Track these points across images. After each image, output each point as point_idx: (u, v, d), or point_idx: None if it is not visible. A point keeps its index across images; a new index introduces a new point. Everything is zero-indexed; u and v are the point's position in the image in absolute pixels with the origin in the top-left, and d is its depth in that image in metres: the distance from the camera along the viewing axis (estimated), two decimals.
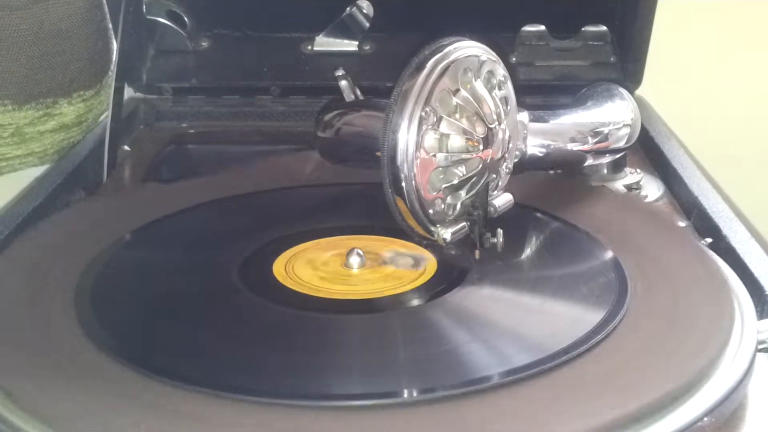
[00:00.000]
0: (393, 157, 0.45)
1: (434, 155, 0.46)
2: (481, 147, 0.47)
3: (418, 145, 0.45)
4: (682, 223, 0.60)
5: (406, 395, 0.38)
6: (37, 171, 0.82)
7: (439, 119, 0.46)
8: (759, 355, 0.44)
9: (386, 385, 0.39)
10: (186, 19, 0.84)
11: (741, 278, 0.50)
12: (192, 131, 0.81)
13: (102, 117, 0.86)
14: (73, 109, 0.82)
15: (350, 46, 0.84)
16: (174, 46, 0.84)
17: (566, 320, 0.45)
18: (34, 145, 0.81)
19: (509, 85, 0.50)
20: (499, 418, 0.37)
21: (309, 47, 0.84)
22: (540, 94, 0.81)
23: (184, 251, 0.53)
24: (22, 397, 0.38)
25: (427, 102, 0.45)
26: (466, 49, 0.47)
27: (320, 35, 0.84)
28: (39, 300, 0.46)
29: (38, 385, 0.39)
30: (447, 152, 0.46)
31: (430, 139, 0.46)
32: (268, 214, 0.57)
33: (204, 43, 0.85)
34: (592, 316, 0.44)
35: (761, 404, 0.42)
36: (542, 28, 0.83)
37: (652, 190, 0.66)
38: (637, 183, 0.65)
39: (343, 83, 0.64)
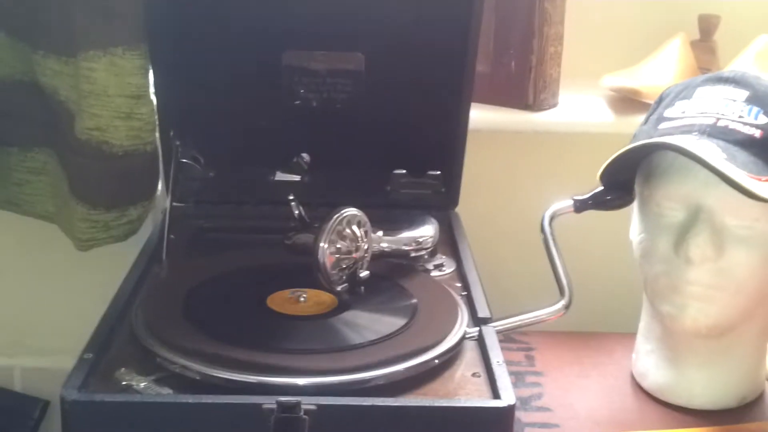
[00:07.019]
0: (316, 255, 1.08)
1: (334, 255, 1.09)
2: (354, 252, 1.11)
3: (327, 250, 1.08)
4: (458, 284, 1.24)
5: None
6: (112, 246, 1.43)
7: (336, 240, 1.10)
8: (466, 342, 1.09)
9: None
10: (201, 159, 1.46)
11: (468, 308, 1.14)
12: (206, 225, 1.42)
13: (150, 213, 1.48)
14: (136, 211, 1.43)
15: (297, 177, 1.46)
16: (194, 175, 1.45)
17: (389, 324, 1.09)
18: (113, 231, 1.42)
19: (368, 224, 1.14)
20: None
21: (272, 177, 1.46)
22: (402, 208, 1.44)
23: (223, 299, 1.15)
24: None
25: (331, 234, 1.08)
26: (350, 211, 1.11)
27: (278, 171, 1.46)
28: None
29: None
30: (339, 255, 1.10)
31: (332, 248, 1.09)
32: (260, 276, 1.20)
33: (211, 174, 1.46)
34: (401, 321, 1.08)
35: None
36: (404, 171, 1.47)
37: (450, 266, 1.30)
38: (442, 263, 1.30)
39: (293, 204, 1.27)
